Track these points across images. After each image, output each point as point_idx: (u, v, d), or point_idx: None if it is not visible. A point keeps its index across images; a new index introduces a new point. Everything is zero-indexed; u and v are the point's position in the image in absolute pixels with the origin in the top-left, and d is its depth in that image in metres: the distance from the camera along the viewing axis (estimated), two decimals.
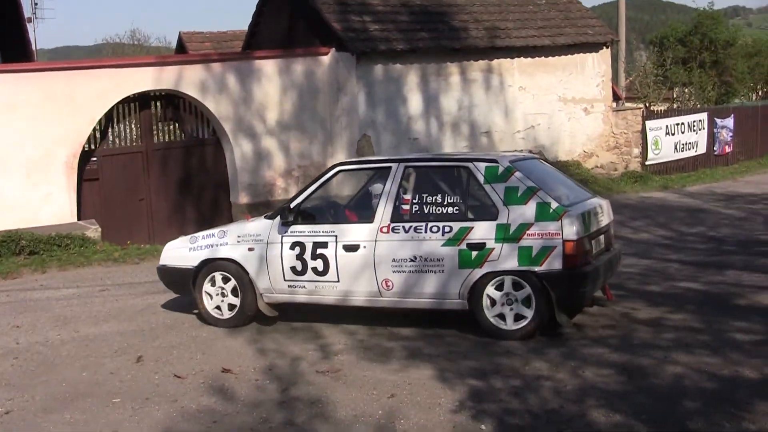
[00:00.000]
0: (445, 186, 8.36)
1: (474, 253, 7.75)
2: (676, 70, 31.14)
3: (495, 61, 19.68)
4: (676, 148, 24.07)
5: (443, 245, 7.85)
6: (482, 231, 7.77)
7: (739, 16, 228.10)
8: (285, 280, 8.56)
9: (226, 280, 8.84)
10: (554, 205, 7.65)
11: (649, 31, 65.61)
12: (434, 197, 8.11)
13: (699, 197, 19.80)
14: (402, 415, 6.02)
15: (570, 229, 7.52)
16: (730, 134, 26.66)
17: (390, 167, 8.45)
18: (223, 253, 8.84)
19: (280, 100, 17.22)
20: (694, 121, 25.04)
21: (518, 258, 7.63)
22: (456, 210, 8.01)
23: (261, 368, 7.30)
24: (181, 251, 9.19)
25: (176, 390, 6.80)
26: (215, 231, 9.13)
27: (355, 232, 8.26)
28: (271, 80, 17.15)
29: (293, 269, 8.49)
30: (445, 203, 8.06)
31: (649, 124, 23.06)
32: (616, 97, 26.56)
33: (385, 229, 8.11)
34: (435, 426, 5.80)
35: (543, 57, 20.37)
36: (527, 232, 7.62)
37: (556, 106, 20.68)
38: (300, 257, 8.43)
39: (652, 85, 28.76)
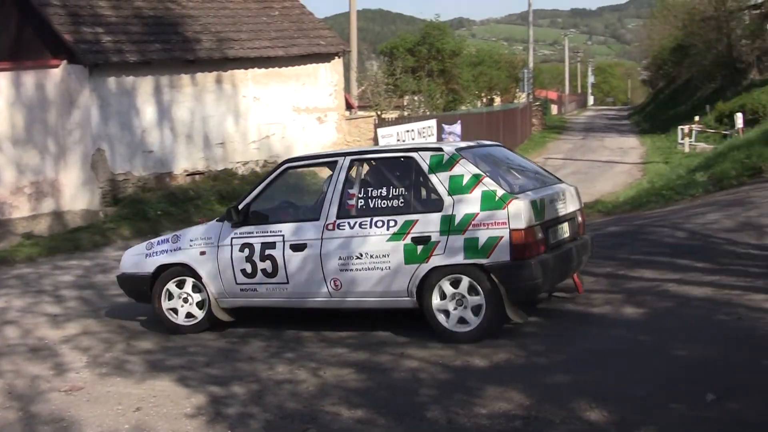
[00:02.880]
0: (390, 178, 8.23)
1: (419, 248, 7.65)
2: (405, 79, 33.66)
3: (228, 72, 20.96)
4: None
5: (388, 240, 7.78)
6: (427, 223, 7.65)
7: (464, 27, 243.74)
8: (237, 283, 8.59)
9: (181, 285, 8.95)
10: (500, 192, 7.48)
11: (379, 42, 69.40)
12: (380, 190, 8.04)
13: None
14: (149, 427, 6.29)
15: (517, 218, 7.33)
16: (458, 139, 29.67)
17: (336, 161, 8.44)
18: (177, 258, 8.91)
19: (10, 114, 17.47)
20: (423, 128, 27.59)
21: (464, 250, 7.49)
22: (401, 203, 7.90)
23: (0, 390, 7.41)
24: (138, 258, 9.29)
25: None
26: (169, 236, 9.21)
27: (302, 230, 8.23)
28: (0, 93, 17.42)
29: (244, 272, 8.49)
30: (390, 196, 7.97)
31: (380, 131, 25.19)
32: (348, 106, 28.63)
33: (330, 227, 8.06)
34: None
35: (276, 67, 21.91)
36: (473, 222, 7.47)
37: (291, 115, 22.25)
38: (249, 259, 8.43)
39: (383, 94, 31.05)
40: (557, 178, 8.94)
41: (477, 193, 7.55)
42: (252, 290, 8.61)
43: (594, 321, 8.02)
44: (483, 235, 7.43)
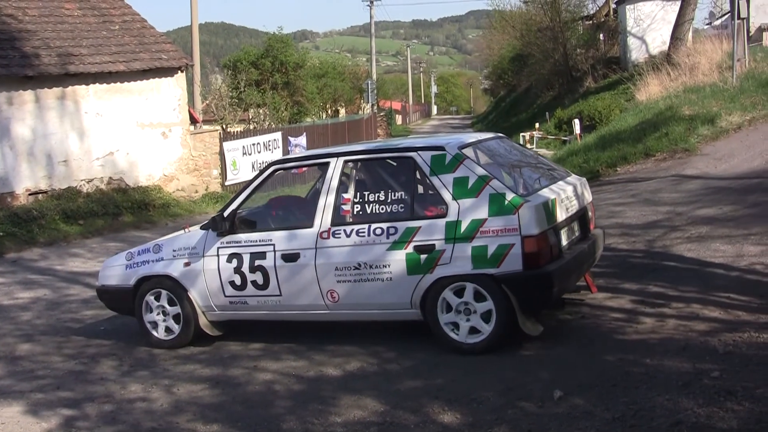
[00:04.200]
0: (389, 181, 7.81)
1: (423, 257, 7.19)
2: (250, 92, 33.69)
3: (70, 88, 20.60)
4: (253, 167, 26.54)
5: (388, 249, 7.32)
6: (430, 231, 7.19)
7: (307, 39, 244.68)
8: (226, 296, 8.20)
9: (158, 298, 8.63)
10: (509, 195, 6.99)
11: (223, 55, 69.13)
12: (377, 194, 7.55)
13: None
14: None
15: (529, 223, 6.87)
16: (303, 151, 30.01)
17: (328, 162, 7.92)
18: (159, 269, 8.52)
19: None
20: (269, 141, 27.88)
21: (472, 260, 7.03)
22: (401, 208, 7.42)
23: None
24: (116, 269, 8.91)
25: None
26: (150, 245, 8.78)
27: (294, 239, 7.78)
28: None
29: (232, 284, 8.10)
30: (389, 201, 7.48)
31: (226, 145, 25.25)
32: (193, 120, 28.49)
33: (325, 235, 7.61)
34: None
35: (119, 83, 21.68)
36: (480, 229, 7.01)
37: (135, 131, 22.05)
38: (238, 270, 8.03)
39: (228, 108, 30.97)
40: (565, 171, 8.61)
41: (484, 196, 7.05)
42: (242, 303, 8.19)
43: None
44: (492, 243, 6.96)
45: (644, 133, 18.60)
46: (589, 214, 8.28)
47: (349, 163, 7.94)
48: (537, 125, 36.73)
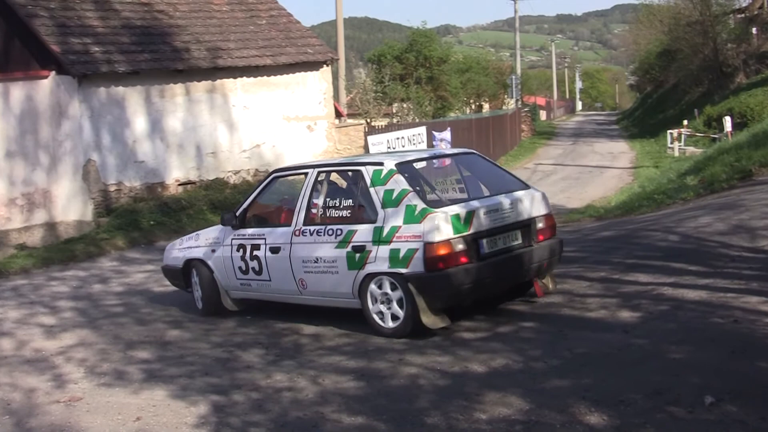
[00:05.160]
0: (345, 190, 9.28)
1: (357, 255, 8.45)
2: (394, 87, 33.85)
3: (218, 81, 21.11)
4: None
5: (335, 248, 8.64)
6: (363, 233, 8.43)
7: (450, 34, 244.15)
8: (237, 278, 9.86)
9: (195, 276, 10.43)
10: (420, 207, 8.10)
11: (367, 50, 69.55)
12: (334, 201, 9.00)
13: None
14: None
15: (432, 232, 7.93)
16: (448, 146, 29.82)
17: (307, 173, 9.48)
18: (196, 254, 10.35)
19: (0, 125, 17.70)
20: (414, 135, 27.77)
21: (389, 260, 8.19)
22: (348, 213, 8.77)
23: None
24: (174, 252, 10.90)
25: None
26: (193, 235, 10.76)
27: (278, 234, 9.33)
28: None
29: (240, 269, 9.75)
30: (341, 207, 8.90)
31: (370, 139, 25.35)
32: (338, 114, 28.81)
33: (297, 233, 9.10)
34: None
35: (265, 76, 22.08)
36: (396, 234, 8.17)
37: (280, 124, 22.42)
38: (243, 258, 9.67)
39: (372, 102, 31.27)
40: (524, 184, 9.36)
41: (402, 206, 8.25)
42: (248, 285, 9.81)
43: (590, 325, 8.07)
44: (404, 247, 8.13)
45: None
46: (541, 224, 9.01)
47: (321, 174, 9.33)
48: (685, 122, 35.74)
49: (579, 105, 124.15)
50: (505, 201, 8.72)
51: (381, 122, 29.89)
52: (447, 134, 29.88)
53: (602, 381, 6.51)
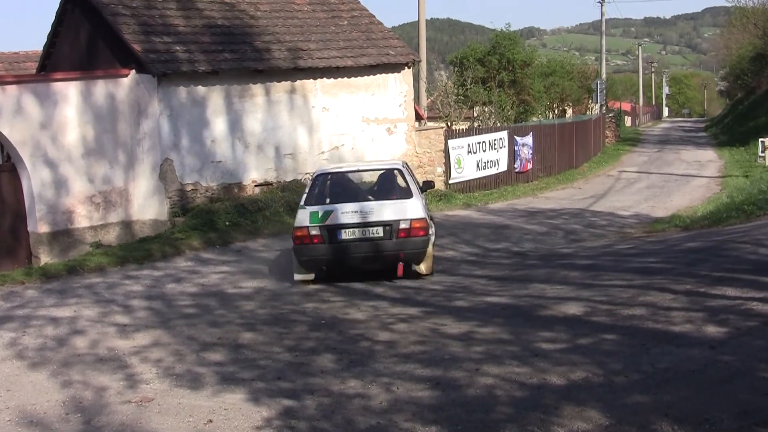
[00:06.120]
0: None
1: None
2: (476, 90, 33.53)
3: (298, 82, 21.16)
4: (478, 166, 26.45)
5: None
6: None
7: (534, 36, 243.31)
8: None
9: None
10: (301, 203, 13.01)
11: (448, 52, 69.52)
12: None
13: (502, 214, 21.87)
14: None
15: (299, 220, 12.66)
16: (530, 152, 29.52)
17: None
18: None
19: (80, 123, 17.88)
20: (495, 140, 27.59)
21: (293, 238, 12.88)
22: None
23: (69, 401, 7.56)
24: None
25: None
26: None
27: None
28: (70, 103, 17.79)
29: None
30: None
31: (451, 143, 25.26)
32: (418, 117, 28.68)
33: None
34: None
35: (346, 77, 22.07)
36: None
37: (360, 126, 22.40)
38: None
39: (453, 105, 31.01)
40: (407, 195, 13.07)
41: (301, 202, 13.16)
42: None
43: (674, 339, 7.91)
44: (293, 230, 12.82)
45: None
46: (401, 225, 12.50)
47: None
48: None
49: (665, 111, 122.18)
50: (374, 204, 12.84)
51: (462, 125, 29.64)
52: (529, 139, 29.57)
53: (686, 398, 6.36)
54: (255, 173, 20.37)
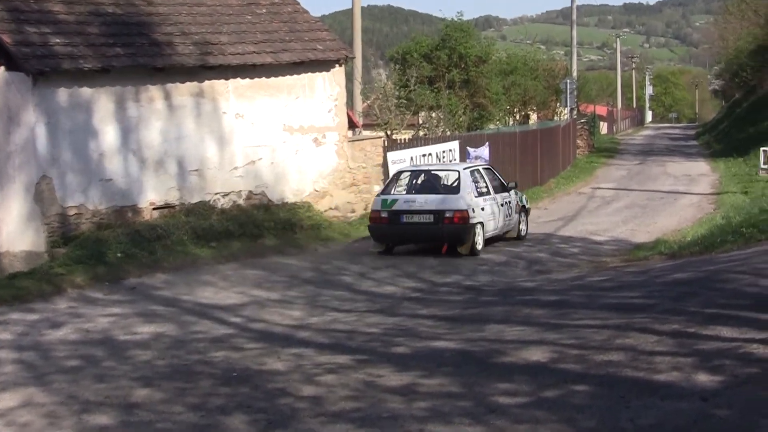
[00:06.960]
0: None
1: None
2: (421, 92, 33.72)
3: (207, 83, 21.13)
4: None
5: None
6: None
7: (492, 27, 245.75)
8: None
9: None
10: (377, 192, 21.50)
11: (389, 46, 69.92)
12: None
13: None
14: None
15: (374, 205, 20.46)
16: (485, 164, 29.72)
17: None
18: None
19: None
20: (443, 151, 27.69)
21: None
22: None
23: None
24: None
25: None
26: None
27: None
28: None
29: None
30: None
31: (390, 155, 25.23)
32: (351, 125, 28.84)
33: None
34: None
35: (264, 77, 22.13)
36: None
37: (281, 136, 22.47)
38: None
39: (393, 110, 31.19)
40: (456, 191, 20.23)
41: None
42: None
43: (658, 390, 7.96)
44: None
45: None
46: (447, 214, 19.32)
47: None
48: None
49: (649, 115, 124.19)
50: (424, 198, 19.94)
51: (404, 135, 29.83)
52: (484, 151, 29.79)
53: None
54: (153, 194, 20.25)
